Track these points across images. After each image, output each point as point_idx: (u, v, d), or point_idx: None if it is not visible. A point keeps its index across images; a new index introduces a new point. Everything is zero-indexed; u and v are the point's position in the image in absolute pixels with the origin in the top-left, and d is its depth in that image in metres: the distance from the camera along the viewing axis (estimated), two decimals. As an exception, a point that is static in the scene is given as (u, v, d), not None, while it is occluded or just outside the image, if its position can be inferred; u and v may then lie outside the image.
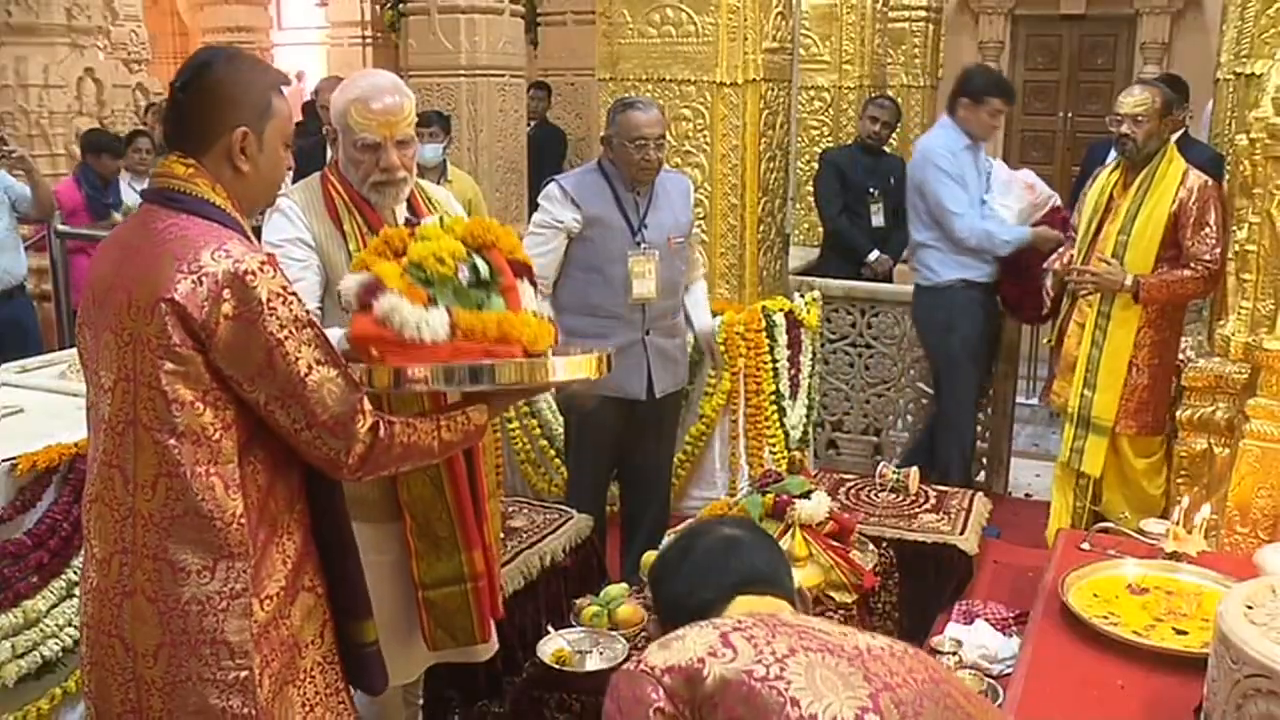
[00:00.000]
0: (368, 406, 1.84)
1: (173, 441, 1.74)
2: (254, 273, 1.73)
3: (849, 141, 6.43)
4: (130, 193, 5.82)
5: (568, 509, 3.66)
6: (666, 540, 1.45)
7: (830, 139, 6.87)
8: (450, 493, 2.43)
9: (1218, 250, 3.74)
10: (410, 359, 1.93)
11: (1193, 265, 3.78)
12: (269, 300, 1.73)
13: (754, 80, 4.42)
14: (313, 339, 1.78)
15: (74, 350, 2.31)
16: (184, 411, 1.73)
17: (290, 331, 1.75)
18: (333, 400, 1.79)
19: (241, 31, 12.70)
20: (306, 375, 1.76)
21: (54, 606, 2.65)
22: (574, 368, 2.05)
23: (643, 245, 3.52)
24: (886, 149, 5.95)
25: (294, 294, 1.78)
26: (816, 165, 6.18)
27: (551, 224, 3.52)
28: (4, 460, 2.62)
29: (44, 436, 2.71)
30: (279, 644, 1.84)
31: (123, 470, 1.77)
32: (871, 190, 5.66)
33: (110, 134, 6.37)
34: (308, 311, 1.80)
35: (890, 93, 6.98)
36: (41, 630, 2.62)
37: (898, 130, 6.30)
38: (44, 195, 5.25)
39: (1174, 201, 3.80)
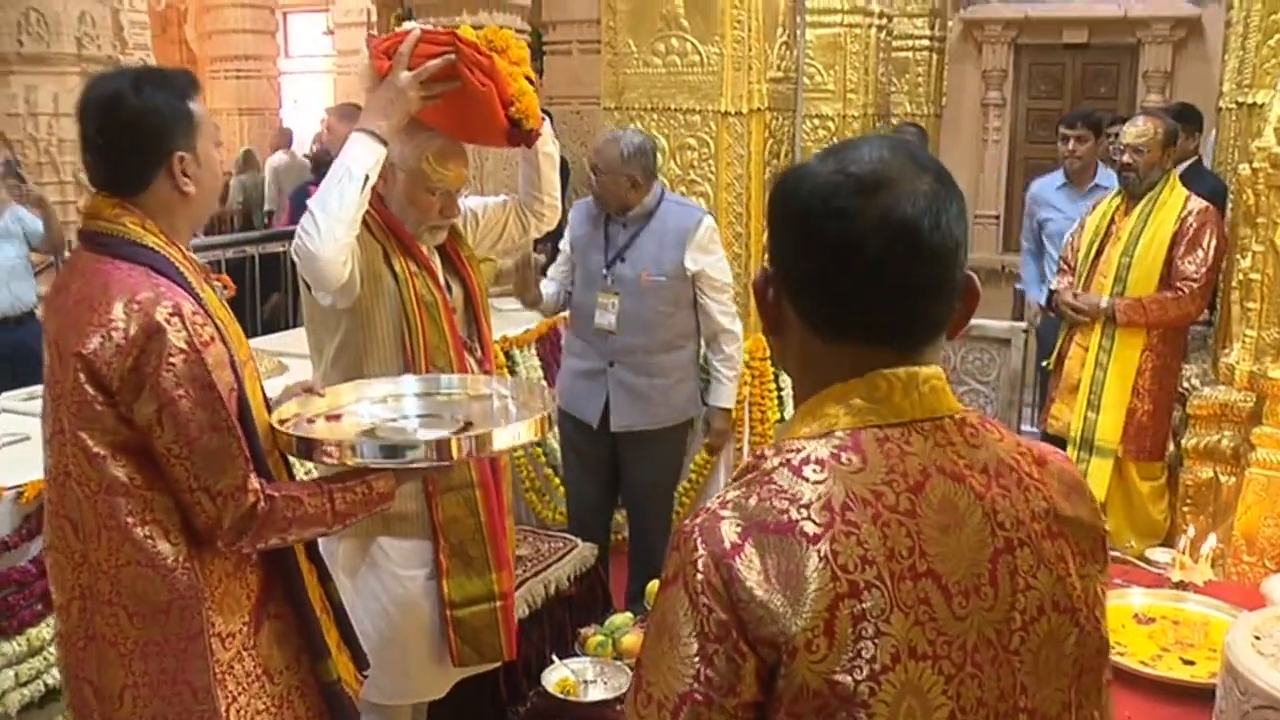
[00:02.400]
0: (254, 484, 1.76)
1: (102, 495, 1.72)
2: (160, 327, 1.68)
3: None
4: None
5: (572, 537, 3.65)
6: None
7: (835, 168, 6.85)
8: (484, 515, 2.47)
9: (1203, 271, 3.76)
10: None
11: (1176, 286, 3.79)
12: (168, 355, 1.68)
13: (758, 109, 4.44)
14: (209, 402, 1.72)
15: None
16: (106, 465, 1.71)
17: (185, 390, 1.69)
18: (216, 468, 1.73)
19: (249, 60, 12.83)
20: (196, 438, 1.71)
21: (58, 634, 2.64)
22: (515, 435, 2.06)
23: (608, 278, 3.54)
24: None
25: (199, 352, 1.71)
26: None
27: (561, 248, 3.79)
28: (9, 488, 2.63)
29: (50, 464, 2.71)
30: (244, 677, 1.83)
31: (71, 519, 1.77)
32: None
33: None
34: (209, 372, 1.72)
35: (895, 121, 7.00)
36: (45, 658, 2.60)
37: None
38: (55, 233, 5.30)
39: (1177, 222, 3.83)
